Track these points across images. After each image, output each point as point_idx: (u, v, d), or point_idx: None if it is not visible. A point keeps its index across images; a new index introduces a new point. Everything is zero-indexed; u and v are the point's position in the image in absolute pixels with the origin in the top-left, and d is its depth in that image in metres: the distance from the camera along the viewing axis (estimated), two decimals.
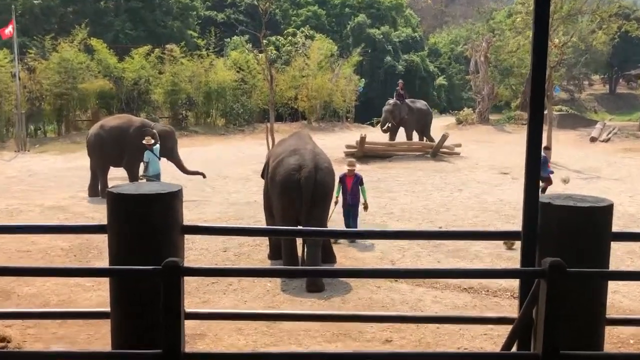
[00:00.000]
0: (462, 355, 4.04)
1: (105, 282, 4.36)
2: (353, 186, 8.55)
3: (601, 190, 11.89)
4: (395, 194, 12.10)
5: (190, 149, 17.95)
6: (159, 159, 11.10)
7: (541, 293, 2.97)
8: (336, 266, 7.16)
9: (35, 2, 29.92)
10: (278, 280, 6.69)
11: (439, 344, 5.15)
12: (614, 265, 5.52)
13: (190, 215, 9.04)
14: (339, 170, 8.80)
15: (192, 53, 25.20)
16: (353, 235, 7.54)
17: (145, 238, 3.18)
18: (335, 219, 8.58)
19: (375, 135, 19.92)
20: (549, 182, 10.66)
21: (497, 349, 4.30)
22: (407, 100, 20.01)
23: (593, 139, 21.49)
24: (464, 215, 10.22)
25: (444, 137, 17.04)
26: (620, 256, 7.58)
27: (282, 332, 5.29)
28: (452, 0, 57.98)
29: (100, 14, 31.01)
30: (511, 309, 5.60)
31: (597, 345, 3.35)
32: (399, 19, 43.09)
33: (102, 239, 3.80)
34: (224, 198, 11.55)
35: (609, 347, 4.73)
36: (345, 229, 8.17)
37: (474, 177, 14.23)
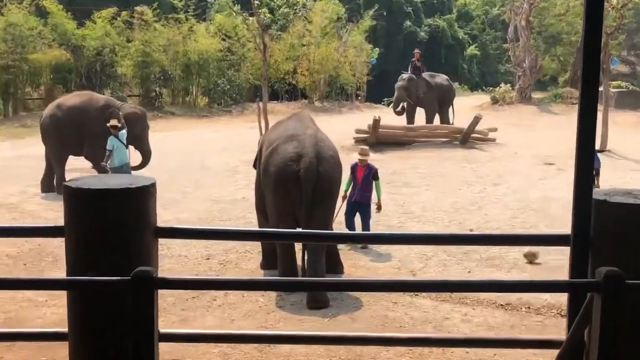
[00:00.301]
0: None
1: (62, 296, 4.37)
2: (364, 179, 8.54)
3: None
4: (416, 189, 12.12)
5: (164, 134, 17.99)
6: (127, 146, 11.11)
7: (594, 310, 2.97)
8: (343, 277, 7.18)
9: None
10: (273, 294, 6.71)
11: None
12: None
13: (165, 215, 9.04)
14: (346, 161, 8.79)
15: (167, 16, 25.24)
16: (364, 240, 7.50)
17: (110, 242, 3.19)
18: (343, 220, 8.59)
19: (391, 117, 19.93)
20: (597, 175, 10.65)
21: None
22: (425, 74, 19.86)
23: None
24: (499, 215, 10.24)
25: (476, 120, 17.03)
26: None
27: (278, 357, 5.31)
28: None
29: None
30: (557, 330, 5.60)
31: None
32: None
33: (58, 244, 3.81)
34: (207, 194, 11.59)
35: None
36: (351, 232, 8.16)
37: (512, 169, 14.25)
